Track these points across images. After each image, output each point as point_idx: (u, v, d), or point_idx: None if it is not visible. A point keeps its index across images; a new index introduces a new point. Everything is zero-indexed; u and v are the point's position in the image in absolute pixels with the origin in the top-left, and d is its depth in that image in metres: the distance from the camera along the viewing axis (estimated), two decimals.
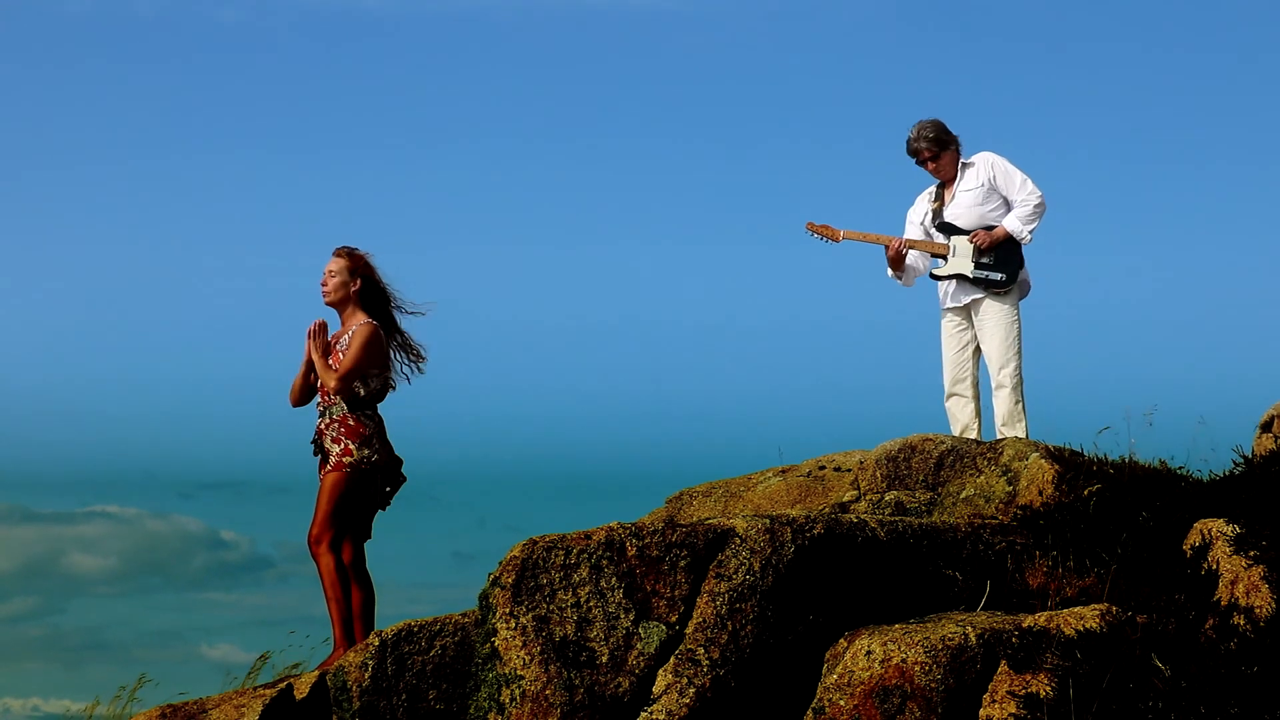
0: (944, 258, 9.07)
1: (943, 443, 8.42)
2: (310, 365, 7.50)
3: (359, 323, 7.52)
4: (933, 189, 9.29)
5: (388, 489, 7.56)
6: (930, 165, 9.14)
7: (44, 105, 23.19)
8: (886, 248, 9.17)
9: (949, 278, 9.07)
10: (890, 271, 9.24)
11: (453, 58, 23.36)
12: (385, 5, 23.80)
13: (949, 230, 9.10)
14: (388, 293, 7.64)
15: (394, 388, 7.60)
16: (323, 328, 7.51)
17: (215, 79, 23.31)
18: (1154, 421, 8.26)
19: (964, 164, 9.13)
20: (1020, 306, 9.06)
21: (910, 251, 9.18)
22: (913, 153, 9.15)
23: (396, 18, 23.76)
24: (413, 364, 7.68)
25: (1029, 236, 8.97)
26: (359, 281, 7.57)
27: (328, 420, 7.43)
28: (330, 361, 7.46)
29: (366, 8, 23.81)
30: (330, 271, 7.58)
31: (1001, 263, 8.99)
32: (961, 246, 9.03)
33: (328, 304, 7.62)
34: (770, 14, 23.41)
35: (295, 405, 7.64)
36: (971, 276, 9.01)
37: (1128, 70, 22.36)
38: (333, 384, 7.37)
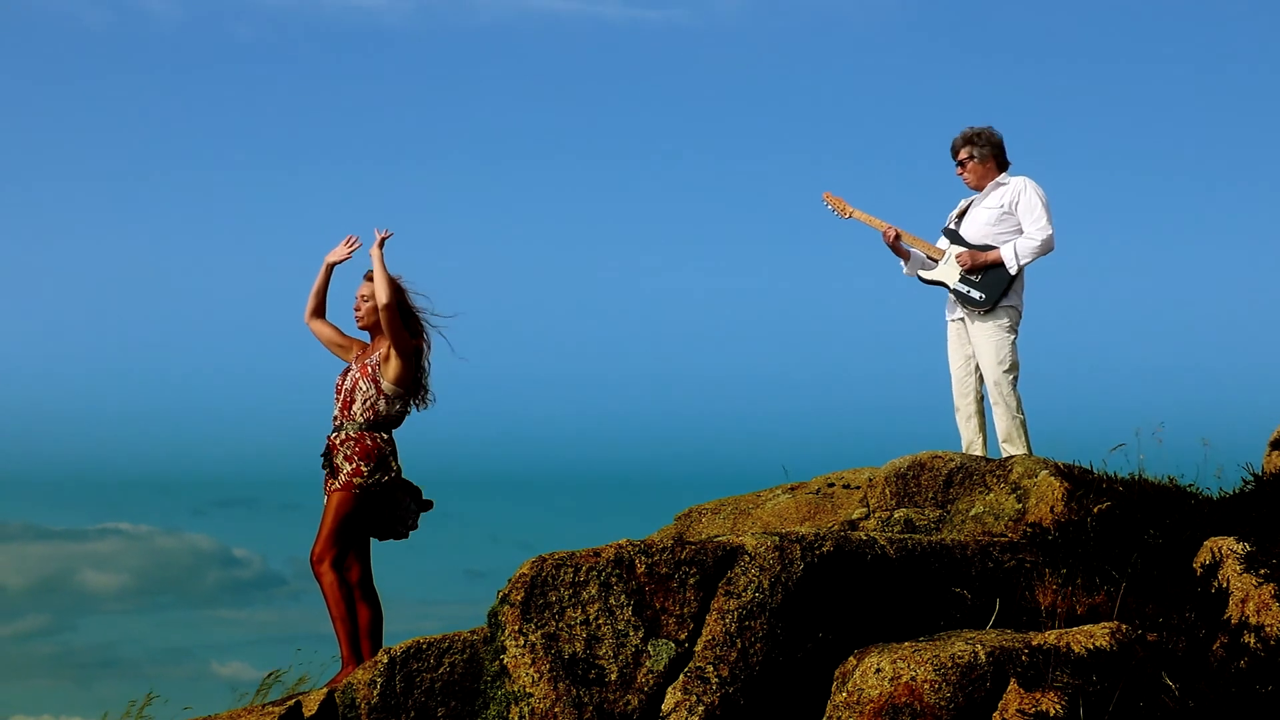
0: (936, 262, 9.11)
1: (952, 460, 8.41)
2: (330, 273, 7.66)
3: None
4: (972, 198, 9.30)
5: (409, 510, 7.55)
6: (958, 169, 9.19)
7: (62, 117, 23.30)
8: (884, 234, 9.23)
9: (932, 283, 9.12)
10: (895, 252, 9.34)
11: (470, 72, 23.44)
12: (402, 21, 23.89)
13: (955, 239, 9.13)
14: (419, 316, 7.66)
15: (409, 412, 7.62)
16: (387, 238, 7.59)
17: (233, 94, 23.41)
18: (1163, 439, 8.24)
19: (998, 182, 9.12)
20: (1019, 327, 9.02)
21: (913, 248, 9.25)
22: (951, 150, 9.21)
23: (413, 33, 23.85)
24: (419, 403, 7.69)
25: (1017, 268, 8.90)
26: None
27: (343, 436, 7.43)
28: (361, 374, 7.49)
29: (383, 24, 23.91)
30: (363, 295, 7.62)
31: (987, 285, 8.96)
32: (954, 257, 9.06)
33: (361, 328, 7.67)
34: (784, 30, 23.46)
35: (309, 315, 7.75)
36: (951, 287, 9.05)
37: (1139, 82, 22.36)
38: (386, 292, 7.38)
